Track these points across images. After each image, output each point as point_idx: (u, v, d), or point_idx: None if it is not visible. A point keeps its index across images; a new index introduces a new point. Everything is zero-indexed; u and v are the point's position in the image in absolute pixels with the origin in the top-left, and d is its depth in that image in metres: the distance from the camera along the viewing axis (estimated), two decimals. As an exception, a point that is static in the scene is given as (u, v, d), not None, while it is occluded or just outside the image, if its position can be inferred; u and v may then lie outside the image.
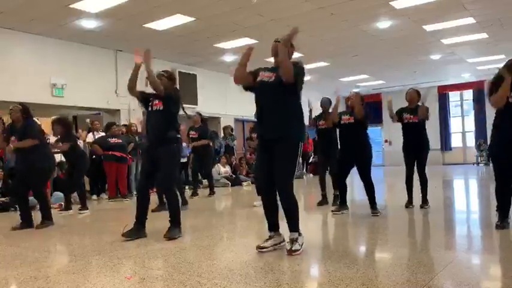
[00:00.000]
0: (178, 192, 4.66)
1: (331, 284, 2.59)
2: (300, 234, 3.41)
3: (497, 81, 4.06)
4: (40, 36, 9.53)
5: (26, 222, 5.20)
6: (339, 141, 5.70)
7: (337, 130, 5.76)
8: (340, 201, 5.59)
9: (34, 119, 5.63)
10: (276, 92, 3.43)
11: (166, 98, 4.23)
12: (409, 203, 5.76)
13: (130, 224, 4.21)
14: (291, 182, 3.43)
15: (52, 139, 7.41)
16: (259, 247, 3.45)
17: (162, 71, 4.41)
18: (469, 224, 4.97)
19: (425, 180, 5.73)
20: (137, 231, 4.18)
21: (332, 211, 5.60)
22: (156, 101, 4.27)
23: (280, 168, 3.40)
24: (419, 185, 5.73)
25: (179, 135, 4.36)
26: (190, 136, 8.49)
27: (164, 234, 4.10)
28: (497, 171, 4.18)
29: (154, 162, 4.22)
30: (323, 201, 6.43)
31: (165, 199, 4.70)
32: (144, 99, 4.39)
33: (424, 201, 5.74)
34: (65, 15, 8.45)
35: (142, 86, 4.38)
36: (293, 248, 3.32)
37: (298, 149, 3.47)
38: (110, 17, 8.68)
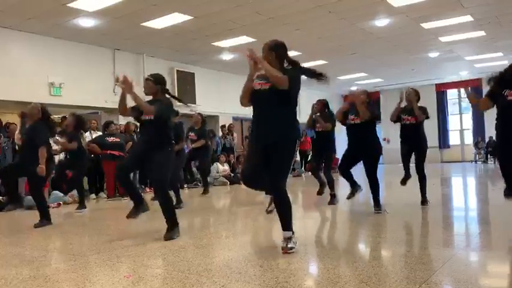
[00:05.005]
0: (173, 191, 4.67)
1: (330, 282, 2.59)
2: (293, 233, 3.42)
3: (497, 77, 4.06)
4: (37, 35, 9.51)
5: (15, 202, 5.17)
6: (347, 139, 5.60)
7: (345, 129, 5.67)
8: (351, 185, 5.59)
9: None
10: (269, 100, 3.41)
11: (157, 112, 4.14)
12: (406, 178, 5.88)
13: (129, 225, 4.21)
14: (284, 181, 3.42)
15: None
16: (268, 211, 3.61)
17: (148, 76, 4.35)
18: (468, 222, 4.98)
19: (424, 177, 5.72)
20: (138, 208, 4.22)
21: (347, 198, 5.66)
22: None
23: (276, 167, 3.39)
24: (418, 182, 5.74)
25: (172, 140, 4.32)
26: (190, 138, 8.45)
27: (164, 236, 4.06)
28: (502, 170, 4.17)
29: (142, 161, 4.21)
30: (321, 191, 6.50)
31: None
32: (137, 112, 4.29)
33: (424, 199, 5.75)
34: (62, 14, 8.44)
35: (140, 87, 4.34)
36: (288, 246, 3.33)
37: (295, 147, 3.46)
38: (108, 16, 8.66)
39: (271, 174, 3.40)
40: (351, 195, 5.56)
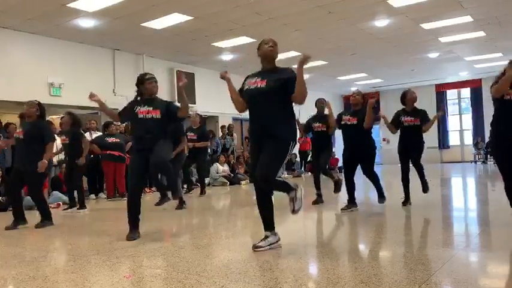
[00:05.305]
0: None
1: (330, 282, 2.59)
2: (296, 192, 3.40)
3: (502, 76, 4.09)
4: (37, 36, 9.51)
5: (19, 220, 5.18)
6: (342, 141, 5.66)
7: (340, 130, 5.74)
8: (349, 199, 5.57)
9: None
10: (267, 99, 3.41)
11: (171, 111, 4.34)
12: (406, 201, 5.78)
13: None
14: (274, 175, 3.38)
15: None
16: (254, 246, 3.45)
17: (153, 76, 4.46)
18: (467, 222, 4.98)
19: (421, 167, 5.80)
20: (134, 232, 4.19)
21: (341, 209, 5.58)
22: (151, 108, 4.24)
23: (266, 161, 3.36)
24: (417, 173, 5.80)
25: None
26: (189, 137, 8.43)
27: (172, 197, 4.42)
28: (500, 169, 4.16)
29: (148, 161, 4.21)
30: (318, 200, 6.43)
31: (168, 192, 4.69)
32: (126, 115, 4.47)
33: (424, 185, 5.84)
34: (62, 15, 8.43)
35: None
36: (295, 208, 3.40)
37: (289, 148, 3.43)
38: (107, 16, 8.66)
39: (261, 169, 3.35)
40: (347, 208, 5.52)
